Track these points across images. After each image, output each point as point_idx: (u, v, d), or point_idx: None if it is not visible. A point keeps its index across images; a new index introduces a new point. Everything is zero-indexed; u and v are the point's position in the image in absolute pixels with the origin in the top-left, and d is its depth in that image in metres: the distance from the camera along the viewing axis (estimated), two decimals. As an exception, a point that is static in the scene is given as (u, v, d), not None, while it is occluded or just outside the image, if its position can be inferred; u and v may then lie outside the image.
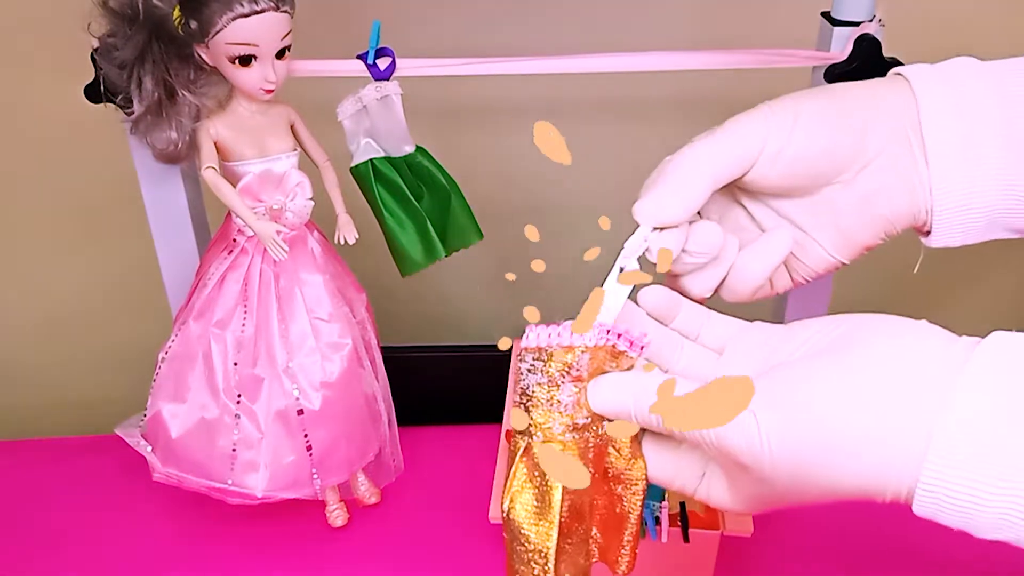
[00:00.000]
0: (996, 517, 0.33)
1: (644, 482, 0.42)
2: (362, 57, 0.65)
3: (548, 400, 0.40)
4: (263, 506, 0.69)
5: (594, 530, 0.44)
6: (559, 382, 0.40)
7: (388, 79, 0.65)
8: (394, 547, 0.72)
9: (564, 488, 0.40)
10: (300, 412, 0.66)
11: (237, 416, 0.66)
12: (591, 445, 0.41)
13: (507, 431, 0.70)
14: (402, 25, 0.64)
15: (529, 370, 0.41)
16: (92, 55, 0.62)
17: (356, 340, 0.69)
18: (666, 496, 0.66)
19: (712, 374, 0.40)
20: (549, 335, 0.40)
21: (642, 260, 0.44)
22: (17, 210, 0.96)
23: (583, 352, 0.40)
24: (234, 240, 0.66)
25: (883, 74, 0.68)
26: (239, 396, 0.66)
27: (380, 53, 0.64)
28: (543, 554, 0.41)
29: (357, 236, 0.67)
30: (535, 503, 0.41)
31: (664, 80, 0.74)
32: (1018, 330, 0.36)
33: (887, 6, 0.67)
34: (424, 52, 0.65)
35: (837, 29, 0.67)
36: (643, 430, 0.42)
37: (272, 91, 0.61)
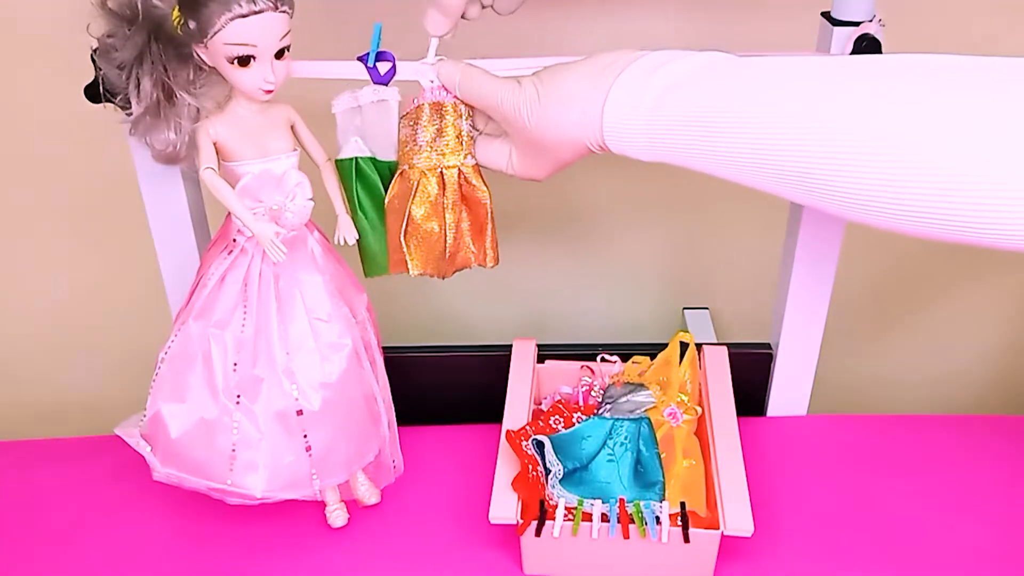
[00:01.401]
0: (646, 141, 0.55)
1: (489, 200, 0.66)
2: (362, 59, 0.64)
3: (411, 137, 0.65)
4: (263, 506, 0.69)
5: (468, 240, 0.68)
6: (413, 127, 0.65)
7: (387, 84, 0.64)
8: (394, 547, 0.72)
9: (419, 186, 0.65)
10: (299, 412, 0.67)
11: (236, 416, 0.66)
12: (443, 168, 0.65)
13: (507, 431, 0.70)
14: (403, 25, 0.64)
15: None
16: (92, 55, 0.62)
17: (356, 341, 0.69)
18: (666, 496, 0.66)
19: None
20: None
21: None
22: (17, 210, 0.96)
23: (418, 107, 0.65)
24: (234, 240, 0.66)
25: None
26: (238, 396, 0.66)
27: (381, 57, 0.64)
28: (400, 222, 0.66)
29: (357, 236, 0.67)
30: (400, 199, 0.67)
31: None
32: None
33: (887, 6, 0.67)
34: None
35: (837, 29, 0.67)
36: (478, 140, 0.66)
37: (271, 91, 0.61)
